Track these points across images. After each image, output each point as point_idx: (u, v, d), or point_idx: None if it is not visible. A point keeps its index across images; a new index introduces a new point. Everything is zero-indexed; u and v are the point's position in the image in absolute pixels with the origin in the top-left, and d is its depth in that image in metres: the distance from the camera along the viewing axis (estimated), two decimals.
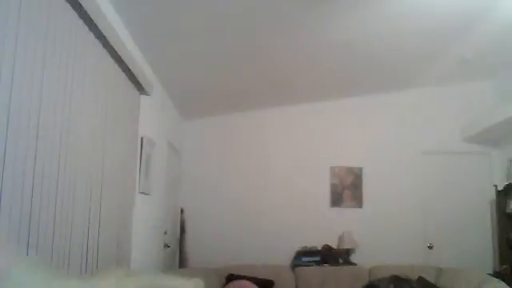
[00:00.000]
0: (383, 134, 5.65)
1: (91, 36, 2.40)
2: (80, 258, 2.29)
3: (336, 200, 5.58)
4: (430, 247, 5.42)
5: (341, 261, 5.09)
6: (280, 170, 5.56)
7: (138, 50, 3.41)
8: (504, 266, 4.73)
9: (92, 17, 2.26)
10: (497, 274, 4.45)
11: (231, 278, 4.09)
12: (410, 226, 5.46)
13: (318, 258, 5.08)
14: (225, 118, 5.65)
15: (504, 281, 3.50)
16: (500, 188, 5.02)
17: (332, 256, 5.11)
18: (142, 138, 3.54)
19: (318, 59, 4.25)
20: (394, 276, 4.01)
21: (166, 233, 4.53)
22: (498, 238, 5.04)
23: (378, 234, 5.38)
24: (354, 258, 5.23)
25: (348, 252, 5.27)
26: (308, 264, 4.98)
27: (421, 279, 4.00)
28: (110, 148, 2.73)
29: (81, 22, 2.25)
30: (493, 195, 5.18)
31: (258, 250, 5.20)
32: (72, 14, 2.14)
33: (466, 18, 3.67)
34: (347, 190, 5.60)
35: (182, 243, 5.34)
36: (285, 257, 5.24)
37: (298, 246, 5.28)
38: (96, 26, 2.35)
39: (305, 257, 5.12)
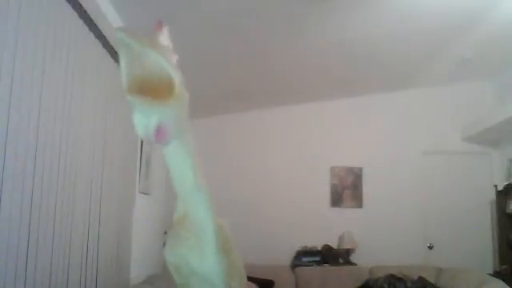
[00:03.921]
0: (383, 134, 5.65)
1: (91, 36, 2.40)
2: (80, 257, 2.29)
3: (336, 200, 5.58)
4: (430, 247, 5.41)
5: (341, 261, 5.09)
6: (280, 169, 5.55)
7: None
8: (504, 266, 4.73)
9: (92, 17, 2.27)
10: (497, 274, 4.44)
11: None
12: (410, 226, 5.45)
13: (318, 258, 5.07)
14: (225, 117, 5.64)
15: (504, 281, 3.50)
16: (500, 188, 5.02)
17: (332, 256, 5.10)
18: (142, 138, 3.54)
19: (317, 59, 4.25)
20: (390, 275, 4.03)
21: (166, 233, 4.53)
22: (498, 238, 5.03)
23: (378, 234, 5.37)
24: (353, 258, 5.23)
25: (348, 252, 5.26)
26: (308, 264, 4.97)
27: (421, 279, 4.01)
28: (110, 148, 2.73)
29: (81, 22, 2.25)
30: (493, 195, 5.17)
31: (258, 249, 5.20)
32: (72, 14, 2.14)
33: (466, 17, 3.67)
34: (347, 190, 5.59)
35: None
36: (285, 257, 5.23)
37: (298, 245, 5.27)
38: (96, 25, 2.35)
39: (305, 257, 5.12)
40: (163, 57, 1.09)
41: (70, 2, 2.09)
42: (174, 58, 1.16)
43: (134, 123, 1.06)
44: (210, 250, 1.28)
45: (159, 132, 1.07)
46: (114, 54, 2.71)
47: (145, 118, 1.06)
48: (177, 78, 1.10)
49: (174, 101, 1.09)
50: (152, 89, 1.08)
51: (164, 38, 1.20)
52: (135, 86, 1.06)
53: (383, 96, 5.58)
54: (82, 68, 2.27)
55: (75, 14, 2.17)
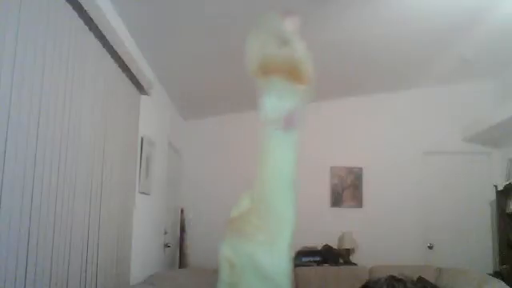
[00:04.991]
0: (383, 134, 5.65)
1: (91, 36, 2.40)
2: (80, 257, 2.29)
3: (336, 200, 5.58)
4: (430, 247, 5.42)
5: (341, 261, 5.09)
6: None
7: (138, 49, 3.41)
8: (504, 266, 4.73)
9: (92, 17, 2.26)
10: (497, 274, 4.44)
11: None
12: (410, 226, 5.45)
13: (318, 258, 5.07)
14: (225, 117, 5.64)
15: (504, 281, 3.50)
16: (500, 188, 5.02)
17: (332, 256, 5.10)
18: (142, 138, 3.54)
19: (317, 59, 4.23)
20: (390, 276, 4.01)
21: (166, 233, 4.53)
22: (498, 238, 5.03)
23: (378, 234, 5.37)
24: (353, 258, 5.23)
25: (348, 252, 5.26)
26: (308, 264, 4.97)
27: (421, 279, 4.00)
28: (110, 148, 2.73)
29: (81, 22, 2.25)
30: (493, 195, 5.18)
31: None
32: (72, 14, 2.14)
33: (466, 17, 3.67)
34: (347, 190, 5.59)
35: (182, 243, 5.34)
36: None
37: (298, 246, 5.27)
38: (96, 25, 2.35)
39: (305, 257, 5.11)
40: (297, 43, 1.05)
41: (70, 2, 2.09)
42: (303, 45, 1.12)
43: (264, 105, 1.01)
44: (283, 247, 1.23)
45: (290, 117, 1.03)
46: (114, 54, 2.71)
47: (279, 101, 1.02)
48: (309, 65, 1.06)
49: (305, 89, 1.05)
50: (286, 73, 1.04)
51: (294, 26, 1.16)
52: (270, 68, 1.02)
53: (383, 96, 5.58)
54: (82, 68, 2.27)
55: (75, 14, 2.17)
